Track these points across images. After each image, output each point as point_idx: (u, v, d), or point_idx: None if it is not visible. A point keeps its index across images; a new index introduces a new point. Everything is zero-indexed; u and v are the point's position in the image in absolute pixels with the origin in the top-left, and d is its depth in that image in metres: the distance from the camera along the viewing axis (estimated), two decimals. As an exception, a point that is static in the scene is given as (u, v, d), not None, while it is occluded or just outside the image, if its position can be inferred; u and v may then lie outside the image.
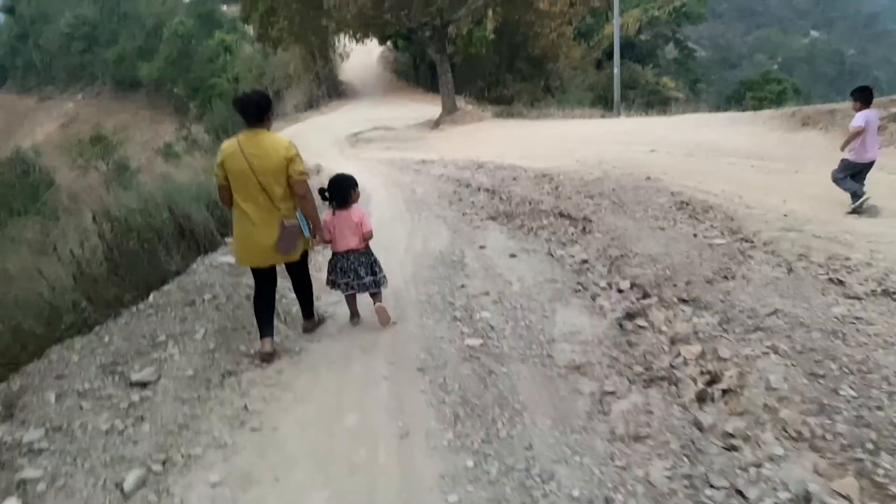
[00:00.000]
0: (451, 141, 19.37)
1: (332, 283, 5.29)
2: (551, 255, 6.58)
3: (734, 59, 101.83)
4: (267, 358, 4.80)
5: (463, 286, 5.94)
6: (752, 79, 47.57)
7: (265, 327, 4.87)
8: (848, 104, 9.43)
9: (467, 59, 32.25)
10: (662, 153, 12.08)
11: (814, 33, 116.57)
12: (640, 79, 35.55)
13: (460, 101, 26.70)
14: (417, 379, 4.41)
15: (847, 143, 7.16)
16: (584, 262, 6.25)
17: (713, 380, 3.91)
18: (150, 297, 6.12)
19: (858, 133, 7.00)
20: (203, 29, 47.84)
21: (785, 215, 6.97)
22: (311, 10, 22.82)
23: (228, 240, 7.52)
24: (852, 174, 7.25)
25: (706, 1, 45.83)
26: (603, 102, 29.16)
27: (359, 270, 5.12)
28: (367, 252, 5.21)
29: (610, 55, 39.40)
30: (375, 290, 5.23)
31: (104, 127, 47.39)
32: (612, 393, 4.01)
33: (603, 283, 5.64)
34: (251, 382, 4.57)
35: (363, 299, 5.43)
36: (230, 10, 49.93)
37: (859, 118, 7.01)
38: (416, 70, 40.64)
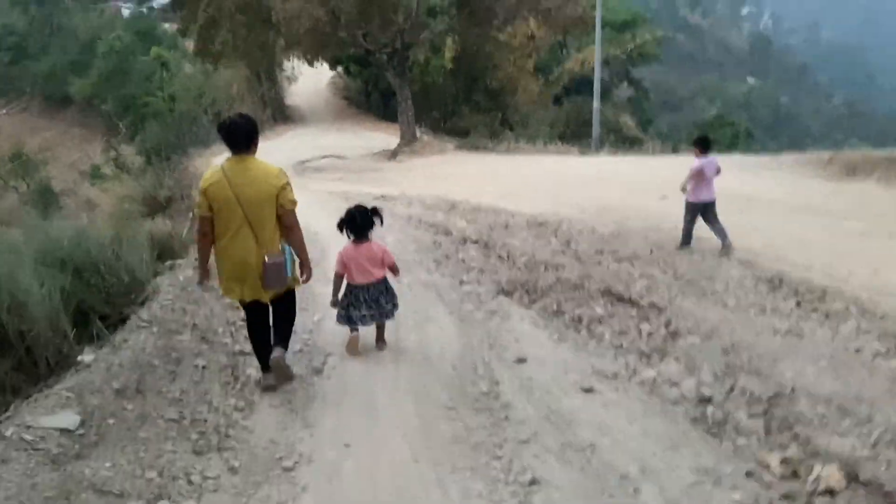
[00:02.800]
0: (411, 174, 17.59)
1: (346, 319, 5.16)
2: (645, 386, 4.34)
3: (676, 102, 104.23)
4: (273, 389, 4.68)
5: (515, 479, 3.44)
6: (705, 121, 47.58)
7: (266, 361, 4.69)
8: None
9: (423, 88, 30.77)
10: (678, 201, 10.28)
11: (750, 80, 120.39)
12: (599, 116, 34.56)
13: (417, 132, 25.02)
14: None
15: (686, 182, 7.72)
16: (706, 400, 4.07)
17: None
18: None
19: (695, 176, 7.62)
20: (142, 45, 45.15)
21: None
22: (258, 23, 20.69)
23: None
24: (693, 216, 7.80)
25: (661, 43, 45.68)
26: (566, 139, 27.91)
27: (380, 299, 5.11)
28: (385, 280, 5.20)
29: (569, 91, 38.64)
30: (389, 319, 5.29)
31: (28, 144, 44.38)
32: None
33: (775, 464, 3.34)
34: None
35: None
36: (173, 28, 47.43)
37: (696, 163, 7.65)
38: (367, 97, 38.92)
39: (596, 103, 21.17)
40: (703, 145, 7.78)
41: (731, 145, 41.60)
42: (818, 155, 12.37)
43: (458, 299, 6.26)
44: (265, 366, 4.67)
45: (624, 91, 49.40)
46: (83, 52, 48.69)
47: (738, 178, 11.78)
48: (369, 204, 5.26)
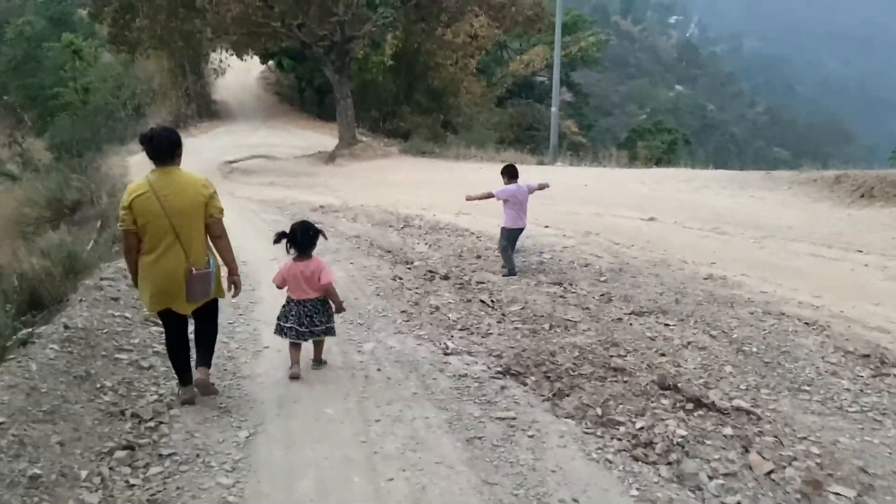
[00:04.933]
0: (352, 180, 16.00)
1: (280, 330, 5.03)
2: None
3: (608, 107, 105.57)
4: (191, 402, 4.47)
5: None
6: (643, 127, 47.43)
7: (185, 374, 4.50)
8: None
9: (361, 85, 29.09)
10: (669, 223, 9.15)
11: (679, 87, 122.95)
12: (544, 120, 33.60)
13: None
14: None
15: (474, 198, 7.63)
16: None
17: None
18: None
19: (487, 197, 7.52)
20: (56, 32, 41.69)
21: None
22: (181, 7, 18.55)
23: None
24: (511, 242, 7.61)
25: (602, 47, 45.28)
26: (510, 143, 26.76)
27: (314, 318, 5.01)
28: (324, 300, 5.07)
29: (513, 93, 37.65)
30: (323, 337, 5.12)
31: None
32: None
33: None
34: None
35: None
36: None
37: (503, 190, 7.49)
38: (301, 94, 36.98)
39: (554, 108, 19.90)
40: (512, 173, 7.58)
41: (668, 151, 41.60)
42: (819, 173, 11.14)
43: (449, 390, 4.56)
44: (185, 379, 4.51)
45: (562, 95, 48.88)
46: (-12, 38, 44.89)
47: (735, 198, 10.66)
48: (308, 216, 4.90)
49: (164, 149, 4.20)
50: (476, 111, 32.04)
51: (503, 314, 5.81)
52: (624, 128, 65.70)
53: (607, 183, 12.87)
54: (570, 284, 6.46)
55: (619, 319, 5.57)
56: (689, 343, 5.06)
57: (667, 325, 5.39)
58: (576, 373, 4.67)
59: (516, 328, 5.54)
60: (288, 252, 5.01)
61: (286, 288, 5.02)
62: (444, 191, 13.09)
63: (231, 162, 21.44)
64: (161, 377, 4.82)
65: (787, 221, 9.05)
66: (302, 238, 4.93)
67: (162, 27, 18.97)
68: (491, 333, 5.47)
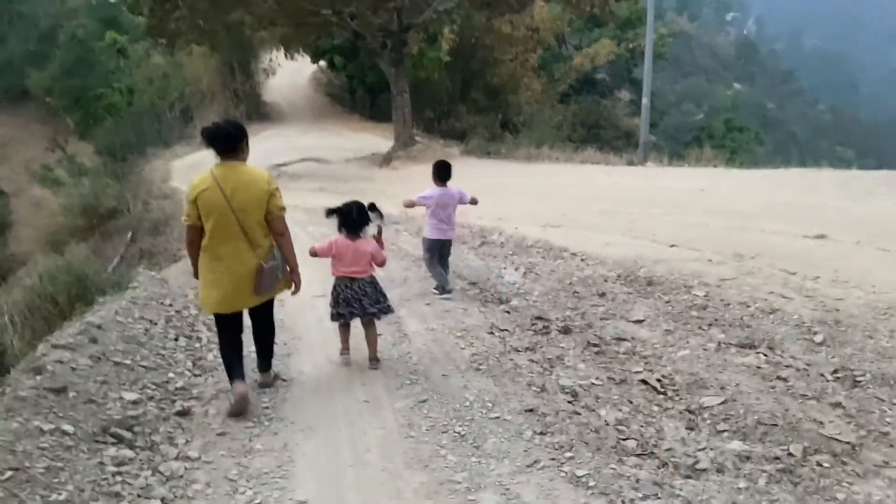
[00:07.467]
0: (411, 185, 14.05)
1: (339, 316, 4.91)
2: None
3: (663, 106, 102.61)
4: (243, 399, 4.22)
5: None
6: (711, 126, 44.87)
7: (236, 371, 4.35)
8: None
9: (415, 84, 27.45)
10: (848, 243, 6.73)
11: (737, 85, 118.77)
12: (611, 118, 31.43)
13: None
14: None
15: (406, 205, 6.74)
16: None
17: None
18: None
19: (413, 204, 6.64)
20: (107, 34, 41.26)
21: None
22: (222, -5, 16.84)
23: None
24: (438, 255, 6.68)
25: (667, 42, 42.94)
26: (574, 142, 24.68)
27: (363, 301, 4.84)
28: (372, 280, 4.93)
29: (577, 90, 35.49)
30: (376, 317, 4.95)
31: (-21, 141, 40.89)
32: None
33: None
34: None
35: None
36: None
37: (424, 196, 6.50)
38: (352, 94, 35.50)
39: (646, 98, 17.77)
40: (443, 174, 6.54)
41: (738, 151, 39.01)
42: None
43: None
44: (239, 375, 4.31)
45: (625, 93, 46.64)
46: (43, 42, 44.81)
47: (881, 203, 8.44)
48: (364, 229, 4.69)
49: (225, 140, 4.15)
50: (537, 109, 30.05)
51: (691, 413, 3.74)
52: (681, 127, 63.10)
53: (727, 187, 10.66)
54: (771, 349, 4.35)
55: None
56: None
57: None
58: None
59: (741, 455, 3.33)
60: (339, 231, 4.80)
61: (330, 260, 4.79)
62: (520, 197, 11.25)
63: (280, 165, 20.00)
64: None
65: None
66: (357, 216, 4.78)
67: (202, 16, 17.50)
68: (700, 468, 3.31)
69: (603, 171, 14.20)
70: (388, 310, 4.98)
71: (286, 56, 30.21)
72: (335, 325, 4.94)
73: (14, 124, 51.22)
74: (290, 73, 35.94)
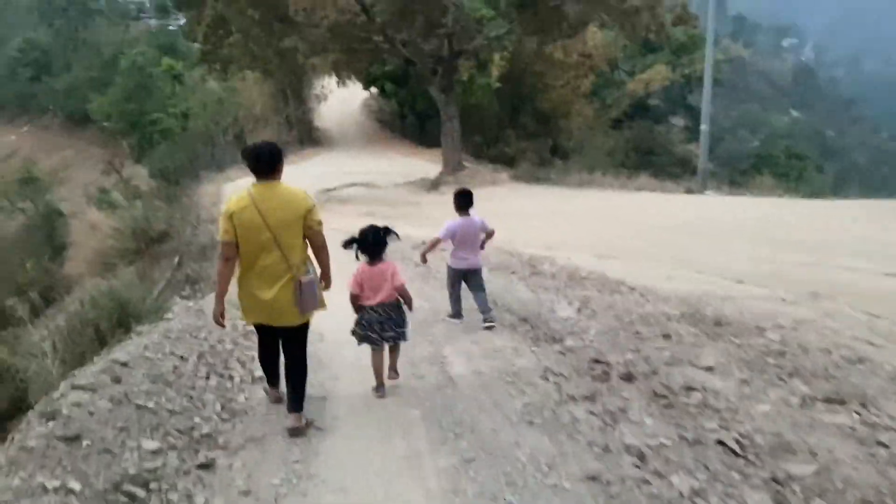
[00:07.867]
0: (459, 210, 13.95)
1: (362, 338, 4.91)
2: None
3: (718, 132, 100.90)
4: (278, 400, 4.59)
5: None
6: (770, 153, 43.71)
7: (273, 377, 4.70)
8: None
9: (465, 110, 27.38)
10: None
11: (794, 112, 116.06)
12: (665, 144, 30.76)
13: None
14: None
15: (424, 252, 6.77)
16: None
17: None
18: None
19: (436, 244, 6.60)
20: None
21: None
22: (274, 21, 17.09)
23: None
24: (455, 282, 6.65)
25: (723, 68, 42.09)
26: (634, 168, 24.15)
27: (384, 325, 4.82)
28: (397, 303, 4.93)
29: (631, 115, 34.93)
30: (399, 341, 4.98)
31: (44, 163, 42.36)
32: None
33: None
34: None
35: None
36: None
37: (447, 229, 6.41)
38: (402, 120, 35.61)
39: (704, 126, 17.20)
40: (464, 202, 6.44)
41: (798, 179, 37.85)
42: None
43: None
44: (273, 382, 4.67)
45: (679, 119, 45.83)
46: (105, 69, 46.39)
47: None
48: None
49: (267, 161, 4.20)
50: (588, 135, 29.62)
51: (777, 483, 3.14)
52: (736, 154, 61.84)
53: (792, 216, 10.07)
54: (864, 406, 3.74)
55: None
56: None
57: None
58: None
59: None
60: (357, 258, 4.80)
61: (359, 297, 4.79)
62: (571, 224, 10.82)
63: (329, 190, 19.98)
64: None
65: None
66: (374, 239, 4.76)
67: (254, 42, 17.68)
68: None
69: (660, 198, 13.68)
70: (402, 336, 4.96)
71: (338, 83, 30.47)
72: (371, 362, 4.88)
73: (75, 148, 53.08)
74: (341, 100, 36.27)
